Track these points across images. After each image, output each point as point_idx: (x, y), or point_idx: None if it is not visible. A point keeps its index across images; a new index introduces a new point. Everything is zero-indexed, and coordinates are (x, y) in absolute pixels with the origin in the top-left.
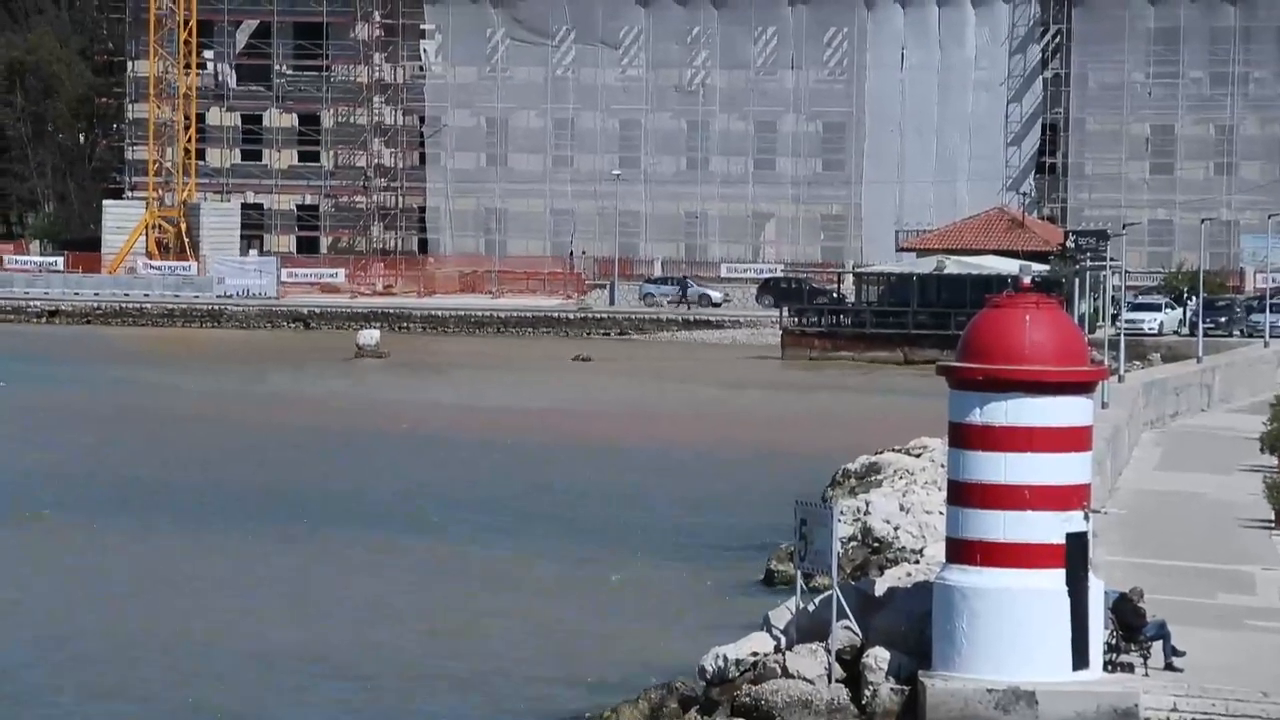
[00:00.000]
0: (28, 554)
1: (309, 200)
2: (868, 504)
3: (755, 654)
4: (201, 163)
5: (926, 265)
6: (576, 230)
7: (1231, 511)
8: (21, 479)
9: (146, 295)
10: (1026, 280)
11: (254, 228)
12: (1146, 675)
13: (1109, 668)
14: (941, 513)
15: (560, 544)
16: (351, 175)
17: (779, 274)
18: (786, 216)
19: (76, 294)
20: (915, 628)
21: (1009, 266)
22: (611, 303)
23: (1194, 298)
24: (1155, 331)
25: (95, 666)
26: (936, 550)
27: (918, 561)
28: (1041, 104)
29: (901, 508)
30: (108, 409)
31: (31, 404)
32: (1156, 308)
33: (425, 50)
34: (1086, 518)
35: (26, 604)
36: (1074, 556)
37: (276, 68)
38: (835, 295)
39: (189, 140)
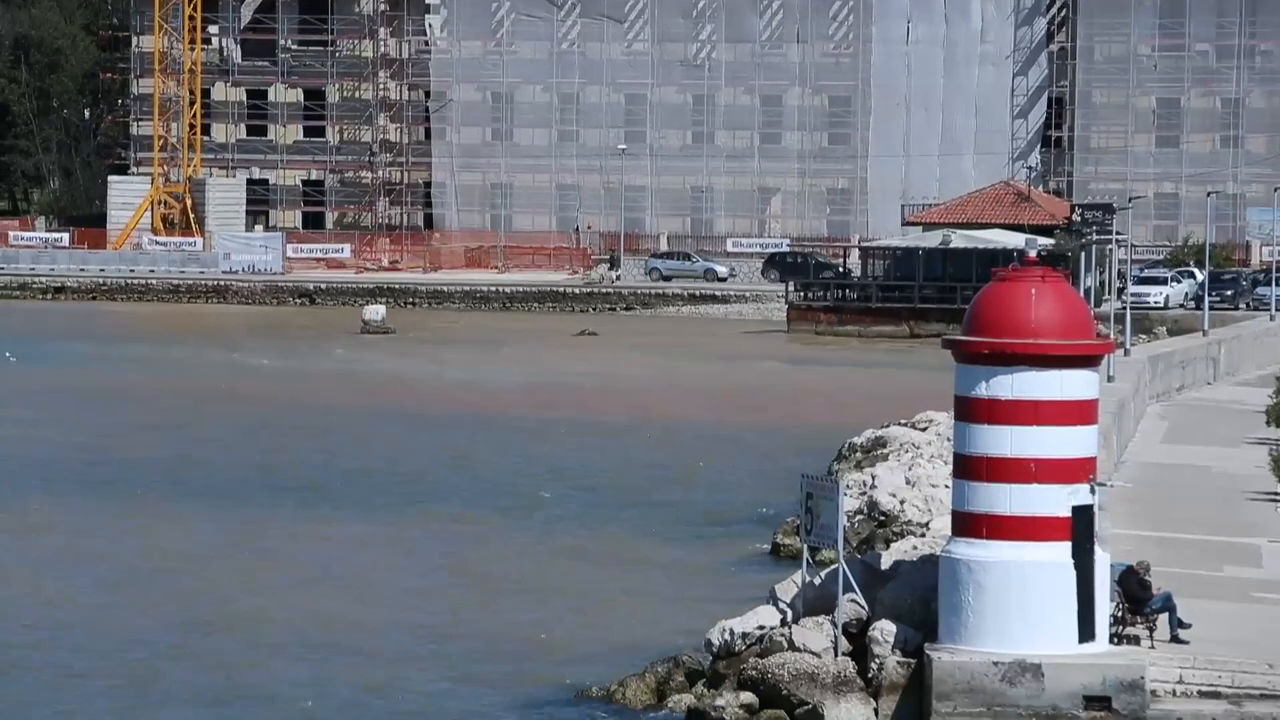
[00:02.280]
0: (44, 539)
1: (314, 175)
2: (874, 478)
3: (762, 627)
4: (206, 138)
5: (932, 239)
6: (582, 205)
7: (1238, 484)
8: (49, 459)
9: (152, 271)
10: (1032, 254)
11: (259, 203)
12: (1152, 648)
13: (1115, 640)
14: (947, 486)
15: (564, 519)
16: (357, 150)
17: (785, 248)
18: (792, 191)
19: (82, 270)
20: (921, 601)
21: (1015, 240)
22: (618, 278)
23: (1200, 270)
24: (1161, 305)
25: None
26: (942, 524)
27: (924, 535)
28: (1047, 77)
29: (907, 481)
30: (127, 386)
31: (45, 382)
32: (1162, 281)
33: (430, 25)
34: (1092, 491)
35: (45, 587)
36: (1080, 529)
37: (281, 42)
38: (841, 269)
39: (194, 115)
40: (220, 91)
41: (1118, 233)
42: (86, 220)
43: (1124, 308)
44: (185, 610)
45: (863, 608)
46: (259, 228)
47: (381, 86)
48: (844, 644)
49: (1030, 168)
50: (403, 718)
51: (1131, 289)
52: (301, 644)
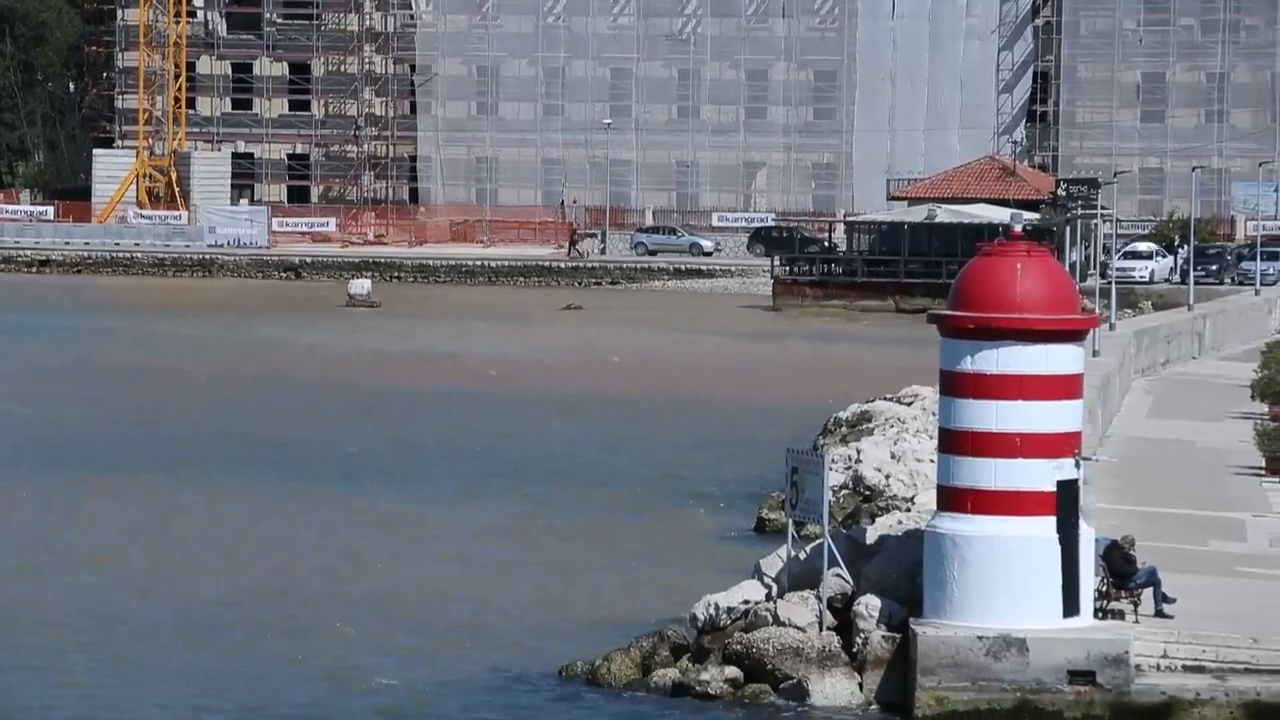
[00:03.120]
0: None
1: (300, 149)
2: (859, 452)
3: (747, 602)
4: (192, 111)
5: (918, 214)
6: (568, 179)
7: (1222, 459)
8: (33, 436)
9: (137, 244)
10: (1018, 228)
11: (244, 177)
12: (1137, 622)
13: (1100, 615)
14: (933, 460)
15: (551, 493)
16: (342, 124)
17: (770, 223)
18: (778, 165)
19: (67, 243)
20: (906, 575)
21: (1000, 215)
22: (603, 252)
23: (1184, 245)
24: (1146, 280)
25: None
26: (928, 498)
27: (909, 509)
28: (1033, 52)
29: (893, 456)
30: (123, 362)
31: (33, 358)
32: (1147, 256)
33: None
34: (1077, 465)
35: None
36: (1065, 504)
37: (267, 16)
38: (826, 244)
39: (179, 89)
40: (205, 65)
41: (1103, 207)
42: (71, 193)
43: (1109, 283)
44: (175, 597)
45: (848, 582)
46: (244, 201)
47: (367, 60)
48: (829, 619)
49: (1015, 142)
50: (382, 696)
51: (1116, 263)
52: (271, 622)
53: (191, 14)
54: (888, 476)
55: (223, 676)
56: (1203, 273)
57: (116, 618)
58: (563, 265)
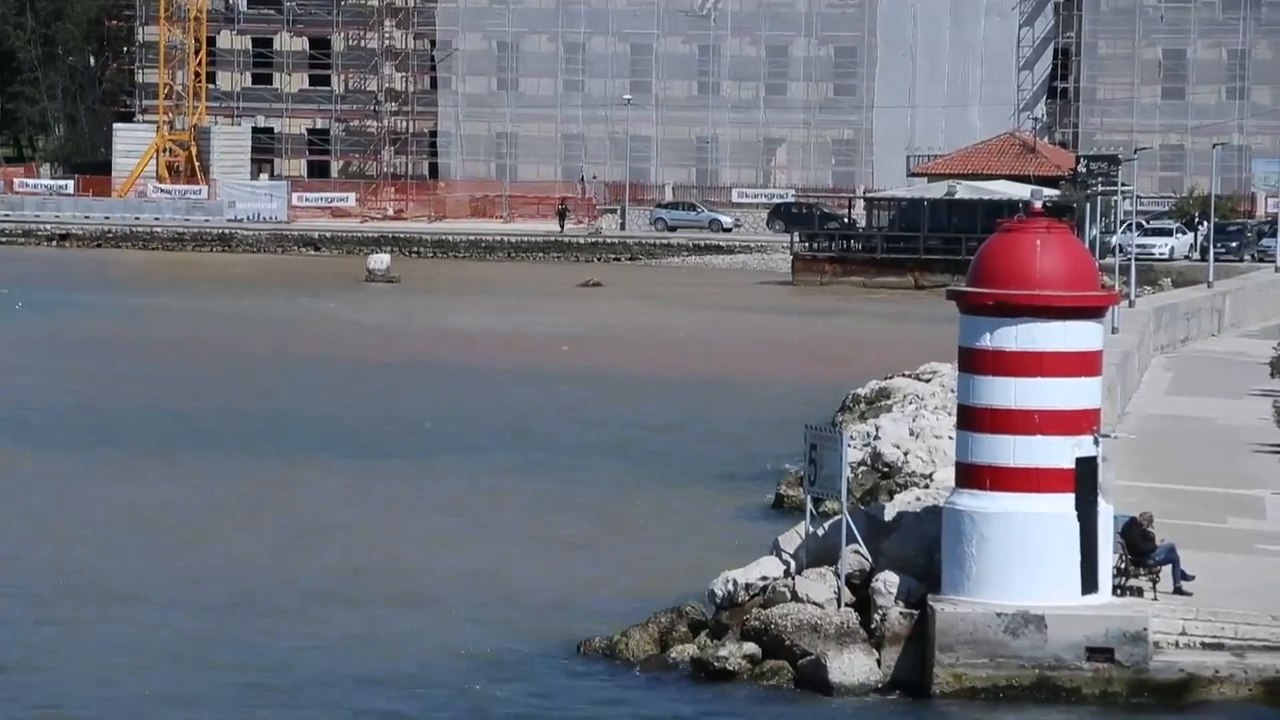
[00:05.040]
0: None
1: (320, 124)
2: (877, 429)
3: (765, 578)
4: (212, 86)
5: (938, 190)
6: (587, 155)
7: (1242, 436)
8: (50, 409)
9: (157, 219)
10: (1038, 205)
11: (264, 151)
12: (1155, 599)
13: (1118, 592)
14: (951, 437)
15: (569, 469)
16: (362, 99)
17: (790, 199)
18: (797, 141)
19: (87, 217)
20: (924, 552)
21: (1020, 191)
22: (622, 228)
23: (1205, 222)
24: (1166, 257)
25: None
26: (946, 475)
27: (927, 486)
28: (1053, 28)
29: (911, 432)
30: (146, 336)
31: (51, 330)
32: (1167, 232)
33: None
34: (1096, 442)
35: (43, 536)
36: (1083, 481)
37: None
38: (846, 220)
39: (199, 63)
40: (225, 39)
41: (1123, 184)
42: (91, 168)
43: (1128, 259)
44: (204, 570)
45: (866, 559)
46: (264, 176)
47: (387, 35)
48: (847, 595)
49: (1036, 119)
50: (396, 672)
51: (1136, 240)
52: (290, 598)
53: None
54: (906, 453)
55: (244, 650)
56: (1223, 249)
57: (149, 594)
58: (582, 241)
